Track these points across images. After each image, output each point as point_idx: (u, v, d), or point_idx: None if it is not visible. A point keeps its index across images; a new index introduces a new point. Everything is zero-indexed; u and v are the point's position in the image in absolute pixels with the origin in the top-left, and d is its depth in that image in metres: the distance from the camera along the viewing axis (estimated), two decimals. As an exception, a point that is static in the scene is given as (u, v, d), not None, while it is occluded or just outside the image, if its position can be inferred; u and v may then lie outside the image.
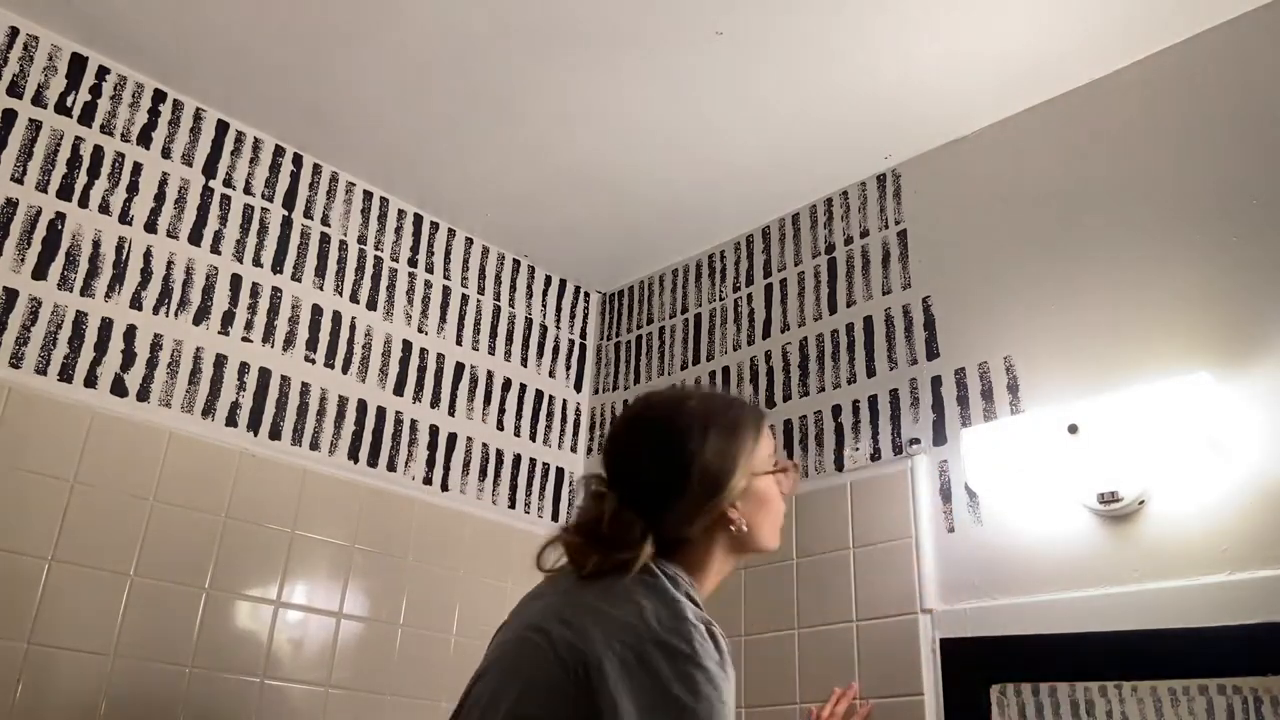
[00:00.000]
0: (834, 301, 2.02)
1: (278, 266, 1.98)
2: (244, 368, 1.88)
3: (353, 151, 2.09)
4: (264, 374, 1.90)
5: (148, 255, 1.81)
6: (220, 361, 1.85)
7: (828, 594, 1.74)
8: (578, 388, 2.48)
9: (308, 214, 2.06)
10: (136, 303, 1.77)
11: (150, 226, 1.82)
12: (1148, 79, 1.68)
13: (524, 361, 2.37)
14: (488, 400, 2.26)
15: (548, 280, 2.50)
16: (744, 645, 1.85)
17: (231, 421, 1.83)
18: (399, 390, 2.11)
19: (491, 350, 2.31)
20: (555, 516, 2.29)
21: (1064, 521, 1.53)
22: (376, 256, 2.16)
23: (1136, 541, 1.45)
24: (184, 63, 1.85)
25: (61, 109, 1.76)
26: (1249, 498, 1.37)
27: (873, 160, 2.02)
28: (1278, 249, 1.45)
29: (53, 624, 1.52)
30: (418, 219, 2.26)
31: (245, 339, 1.90)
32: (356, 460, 1.99)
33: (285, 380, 1.93)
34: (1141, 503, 1.46)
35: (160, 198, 1.85)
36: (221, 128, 1.97)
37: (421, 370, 2.16)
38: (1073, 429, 1.47)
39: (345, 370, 2.03)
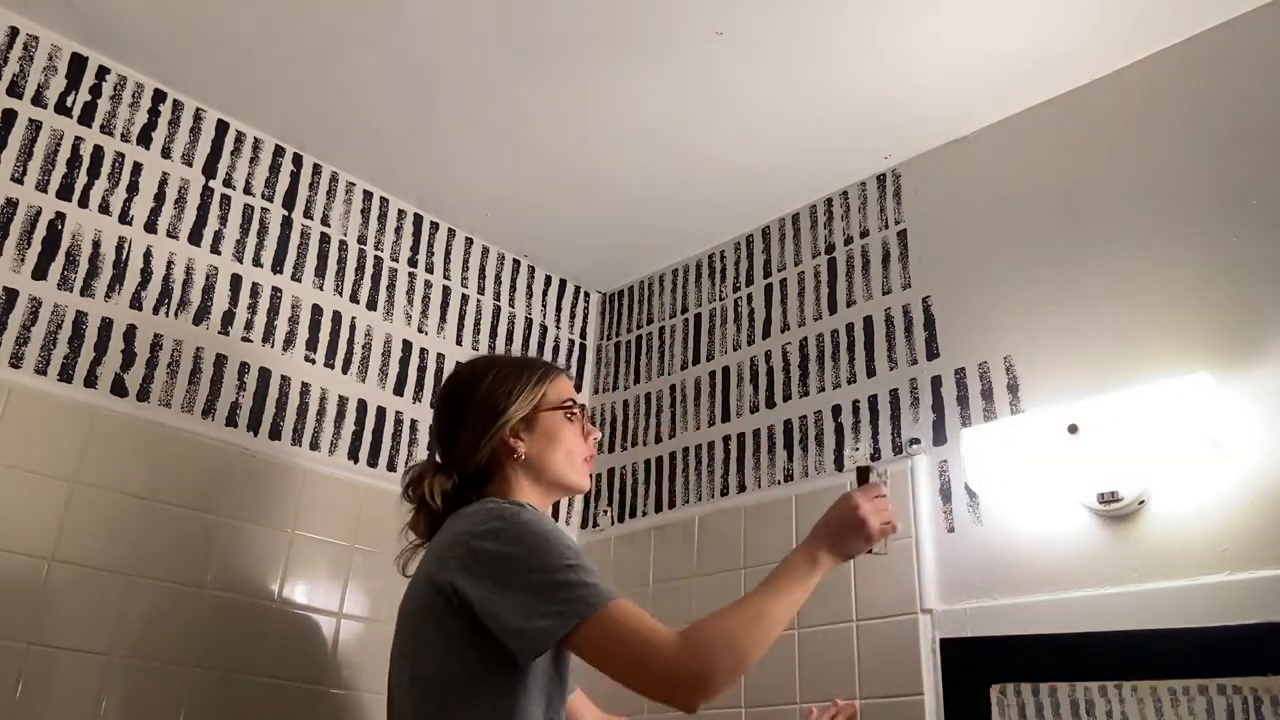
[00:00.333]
0: (834, 301, 2.02)
1: (278, 266, 1.98)
2: (244, 368, 1.88)
3: (353, 151, 2.09)
4: (264, 374, 1.90)
5: (148, 255, 1.81)
6: (220, 361, 1.85)
7: (828, 594, 1.74)
8: (578, 388, 2.47)
9: (308, 214, 2.06)
10: (136, 303, 1.77)
11: (150, 226, 1.82)
12: (1147, 79, 1.68)
13: (524, 361, 2.37)
14: (488, 400, 2.26)
15: (548, 280, 2.50)
16: (744, 645, 1.85)
17: (231, 421, 1.83)
18: (399, 390, 2.11)
19: (492, 350, 2.31)
20: (555, 515, 2.29)
21: (1064, 521, 1.53)
22: (376, 256, 2.16)
23: (1136, 541, 1.45)
24: (184, 63, 1.85)
25: (61, 109, 1.76)
26: (1249, 498, 1.37)
27: (873, 160, 2.02)
28: (1278, 249, 1.45)
29: (53, 624, 1.52)
30: (418, 219, 2.26)
31: (245, 339, 1.90)
32: (356, 460, 1.99)
33: (285, 380, 1.93)
34: (1141, 503, 1.46)
35: (160, 198, 1.85)
36: (221, 128, 1.97)
37: (421, 370, 2.16)
38: (1073, 429, 1.47)
39: (345, 370, 2.03)
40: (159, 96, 1.90)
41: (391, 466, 2.04)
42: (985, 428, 1.64)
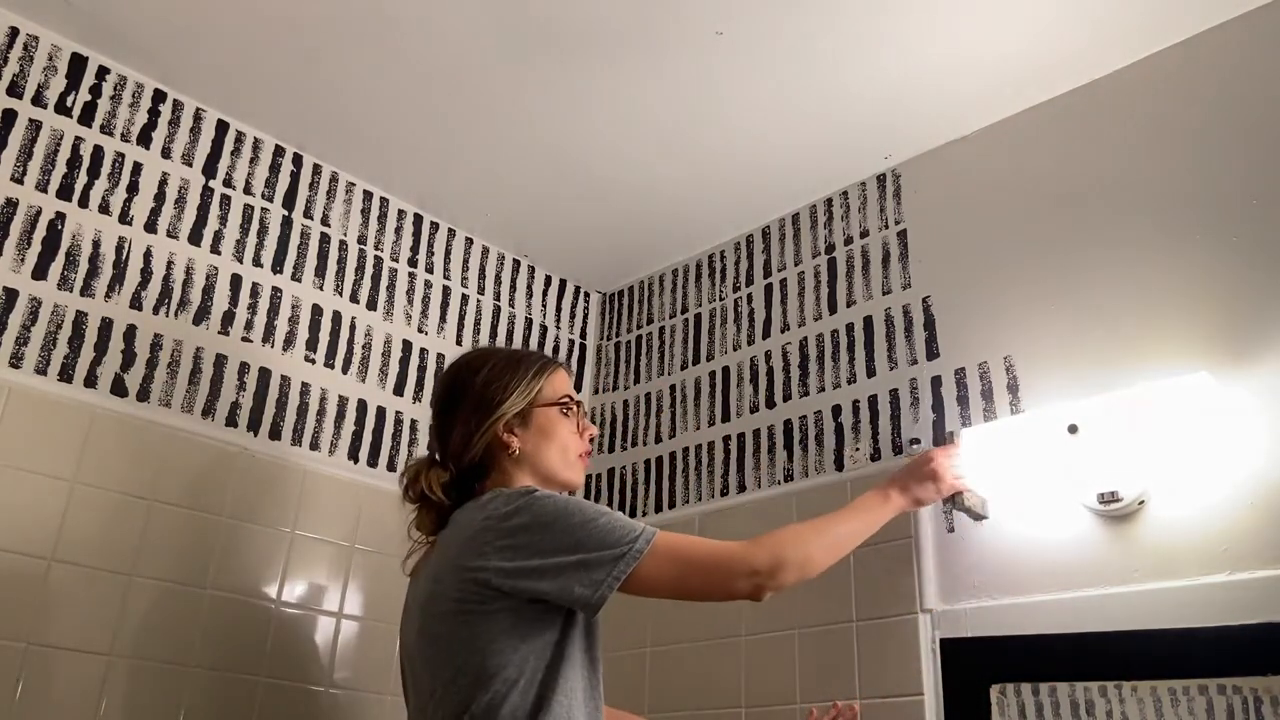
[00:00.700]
0: (834, 301, 2.02)
1: (278, 266, 1.98)
2: (244, 368, 1.88)
3: (353, 151, 2.09)
4: (264, 374, 1.90)
5: (148, 255, 1.81)
6: (220, 361, 1.85)
7: (828, 594, 1.74)
8: (578, 388, 2.47)
9: (308, 214, 2.06)
10: (136, 303, 1.77)
11: (150, 226, 1.82)
12: (1148, 79, 1.68)
13: (524, 361, 2.37)
14: (488, 400, 2.26)
15: (548, 280, 2.50)
16: (744, 645, 1.85)
17: (231, 421, 1.83)
18: (399, 390, 2.11)
19: (491, 350, 2.31)
20: (555, 516, 2.29)
21: (1064, 521, 1.53)
22: (376, 256, 2.16)
23: (1136, 541, 1.45)
24: (184, 63, 1.85)
25: (61, 109, 1.76)
26: (1249, 498, 1.37)
27: (873, 160, 2.02)
28: (1278, 249, 1.45)
29: (53, 624, 1.52)
30: (418, 219, 2.26)
31: (245, 339, 1.90)
32: (356, 460, 2.00)
33: (285, 380, 1.93)
34: (1141, 503, 1.46)
35: (160, 198, 1.85)
36: (221, 128, 1.97)
37: (421, 370, 2.16)
38: (1073, 429, 1.47)
39: (345, 370, 2.03)
40: (159, 96, 1.90)
41: (391, 466, 2.04)
42: (985, 428, 1.64)
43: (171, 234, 1.85)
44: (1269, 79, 1.54)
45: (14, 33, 1.74)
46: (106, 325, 1.72)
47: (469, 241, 2.35)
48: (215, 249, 1.90)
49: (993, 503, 1.61)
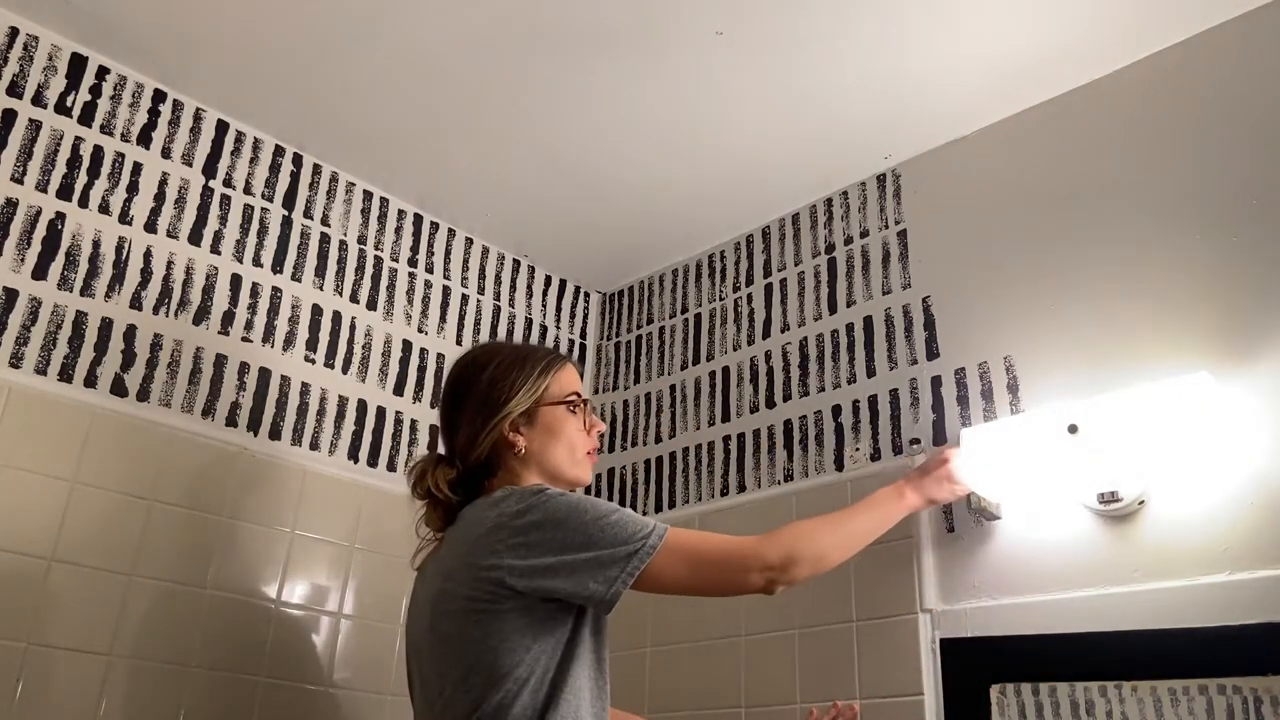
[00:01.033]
0: (834, 301, 2.02)
1: (278, 266, 1.98)
2: (244, 368, 1.88)
3: (353, 151, 2.09)
4: (264, 374, 1.90)
5: (148, 255, 1.81)
6: (220, 361, 1.85)
7: (828, 594, 1.74)
8: (578, 388, 2.47)
9: (308, 214, 2.06)
10: (136, 303, 1.77)
11: (150, 226, 1.82)
12: (1148, 79, 1.68)
13: (524, 361, 2.37)
14: (488, 400, 2.26)
15: (548, 280, 2.50)
16: (744, 645, 1.85)
17: (231, 421, 1.83)
18: (399, 390, 2.11)
19: (491, 350, 2.31)
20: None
21: (1064, 521, 1.53)
22: (376, 256, 2.16)
23: (1136, 541, 1.45)
24: (184, 63, 1.85)
25: (61, 109, 1.76)
26: (1249, 497, 1.37)
27: (873, 160, 2.02)
28: (1278, 249, 1.45)
29: (53, 624, 1.52)
30: (418, 219, 2.26)
31: (245, 339, 1.90)
32: (356, 460, 2.00)
33: (285, 380, 1.93)
34: (1141, 503, 1.46)
35: (160, 198, 1.85)
36: (221, 128, 1.97)
37: (421, 370, 2.16)
38: (1073, 429, 1.47)
39: (345, 370, 2.03)
40: (159, 96, 1.90)
41: (391, 466, 2.04)
42: (985, 428, 1.64)
43: (171, 234, 1.85)
44: (1269, 79, 1.54)
45: (14, 33, 1.74)
46: (106, 325, 1.72)
47: (469, 241, 2.35)
48: (215, 249, 1.90)
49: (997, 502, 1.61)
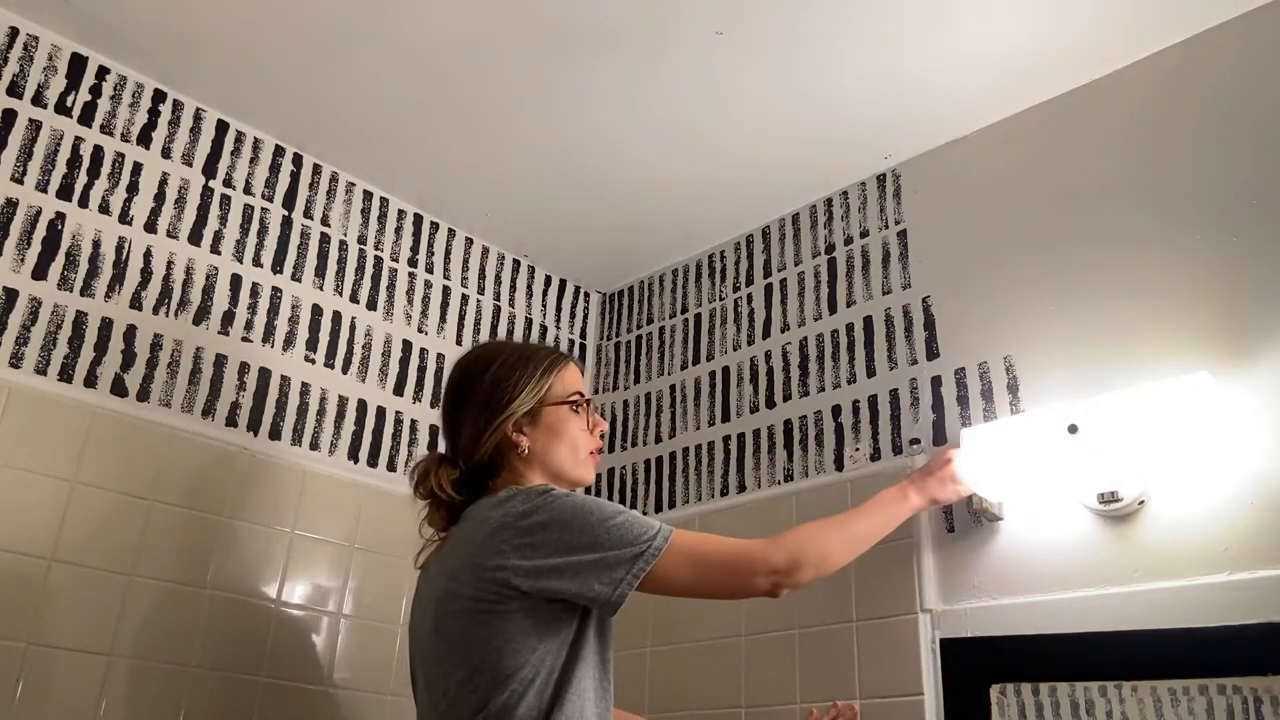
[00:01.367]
0: (834, 301, 2.02)
1: (278, 266, 1.98)
2: (244, 368, 1.88)
3: (353, 151, 2.09)
4: (264, 374, 1.90)
5: (148, 255, 1.81)
6: (220, 361, 1.85)
7: (828, 594, 1.74)
8: (578, 388, 2.47)
9: (308, 214, 2.06)
10: (136, 303, 1.77)
11: (150, 226, 1.82)
12: (1148, 79, 1.68)
13: (524, 361, 2.37)
14: (488, 400, 2.26)
15: (548, 280, 2.50)
16: (744, 645, 1.85)
17: (231, 421, 1.83)
18: (399, 390, 2.11)
19: (491, 350, 2.31)
20: (555, 516, 2.29)
21: (1064, 521, 1.53)
22: (376, 256, 2.16)
23: (1136, 541, 1.45)
24: (184, 63, 1.85)
25: (61, 109, 1.76)
26: (1249, 497, 1.37)
27: (873, 160, 2.02)
28: (1278, 249, 1.45)
29: (53, 624, 1.52)
30: (418, 219, 2.26)
31: (245, 339, 1.90)
32: (356, 460, 2.00)
33: (285, 380, 1.93)
34: (1141, 503, 1.46)
35: (160, 198, 1.85)
36: (221, 128, 1.97)
37: (421, 370, 2.16)
38: (1073, 429, 1.47)
39: (345, 370, 2.03)
40: (159, 96, 1.90)
41: (391, 466, 2.04)
42: (985, 428, 1.64)
43: (171, 234, 1.85)
44: (1269, 79, 1.54)
45: (14, 33, 1.74)
46: (106, 325, 1.72)
47: (469, 241, 2.35)
48: (215, 249, 1.90)
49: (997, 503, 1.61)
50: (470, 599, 1.21)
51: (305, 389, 1.95)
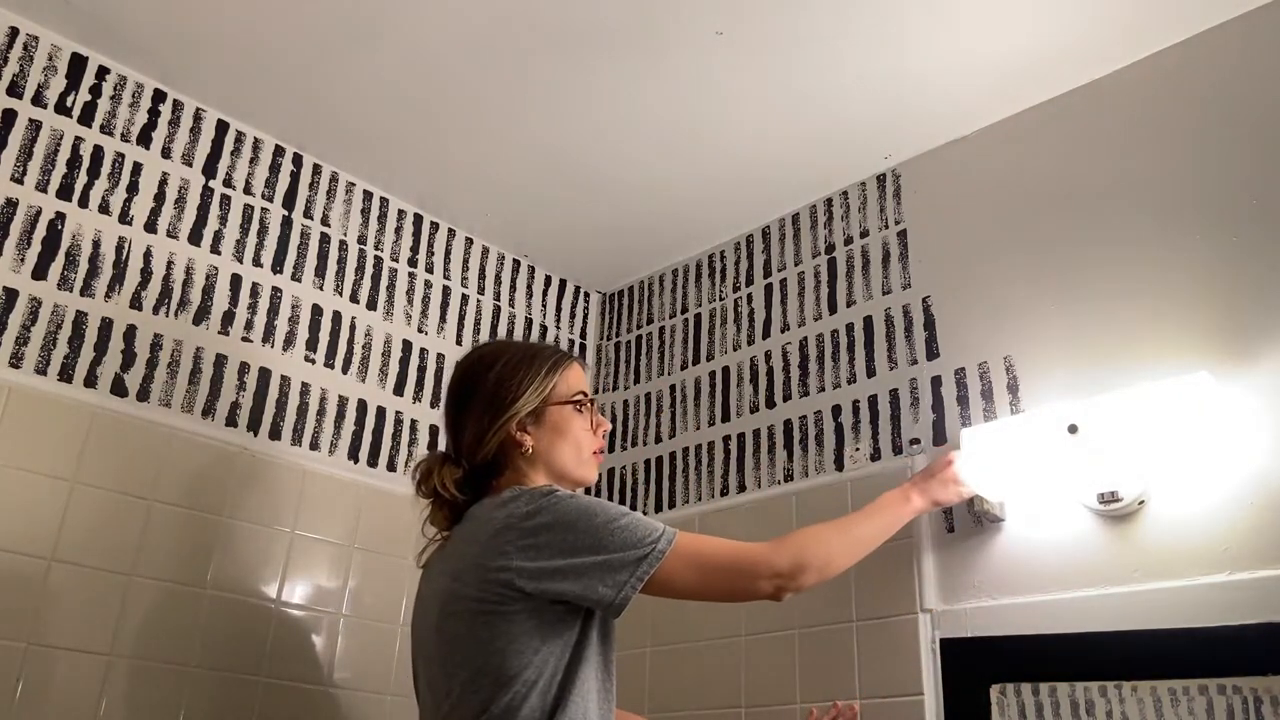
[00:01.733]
0: (834, 301, 2.02)
1: (278, 266, 1.98)
2: (244, 368, 1.88)
3: (353, 151, 2.09)
4: (264, 374, 1.90)
5: (148, 255, 1.81)
6: (220, 361, 1.85)
7: (828, 594, 1.74)
8: (578, 388, 2.47)
9: (308, 214, 2.06)
10: (136, 303, 1.77)
11: (150, 226, 1.82)
12: (1148, 79, 1.68)
13: (524, 361, 2.37)
14: (488, 400, 2.26)
15: (548, 280, 2.50)
16: (744, 645, 1.85)
17: (231, 421, 1.83)
18: (399, 390, 2.11)
19: (491, 350, 2.31)
20: (555, 516, 2.29)
21: (1064, 521, 1.53)
22: (376, 256, 2.16)
23: (1136, 541, 1.45)
24: (184, 63, 1.85)
25: (61, 109, 1.76)
26: (1249, 497, 1.37)
27: (873, 160, 2.02)
28: (1278, 249, 1.45)
29: (53, 624, 1.52)
30: (418, 219, 2.26)
31: (245, 339, 1.90)
32: (356, 460, 2.00)
33: (285, 380, 1.93)
34: (1141, 503, 1.46)
35: (160, 198, 1.85)
36: (221, 128, 1.97)
37: (421, 370, 2.16)
38: (1073, 429, 1.47)
39: (345, 370, 2.03)
40: (159, 96, 1.90)
41: (391, 466, 2.04)
42: (985, 428, 1.64)
43: (171, 234, 1.85)
44: (1269, 79, 1.54)
45: (14, 33, 1.74)
46: (106, 325, 1.72)
47: (469, 241, 2.35)
48: (215, 249, 1.90)
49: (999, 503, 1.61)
50: (474, 600, 1.20)
51: (305, 389, 1.95)
